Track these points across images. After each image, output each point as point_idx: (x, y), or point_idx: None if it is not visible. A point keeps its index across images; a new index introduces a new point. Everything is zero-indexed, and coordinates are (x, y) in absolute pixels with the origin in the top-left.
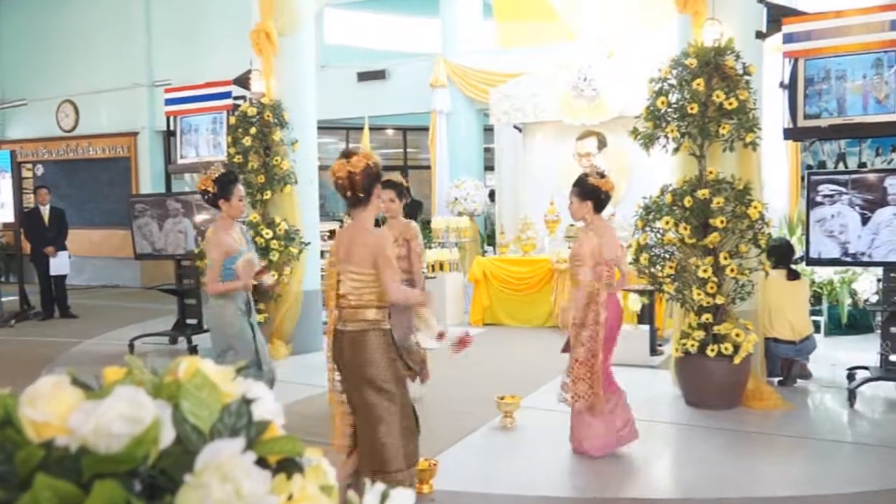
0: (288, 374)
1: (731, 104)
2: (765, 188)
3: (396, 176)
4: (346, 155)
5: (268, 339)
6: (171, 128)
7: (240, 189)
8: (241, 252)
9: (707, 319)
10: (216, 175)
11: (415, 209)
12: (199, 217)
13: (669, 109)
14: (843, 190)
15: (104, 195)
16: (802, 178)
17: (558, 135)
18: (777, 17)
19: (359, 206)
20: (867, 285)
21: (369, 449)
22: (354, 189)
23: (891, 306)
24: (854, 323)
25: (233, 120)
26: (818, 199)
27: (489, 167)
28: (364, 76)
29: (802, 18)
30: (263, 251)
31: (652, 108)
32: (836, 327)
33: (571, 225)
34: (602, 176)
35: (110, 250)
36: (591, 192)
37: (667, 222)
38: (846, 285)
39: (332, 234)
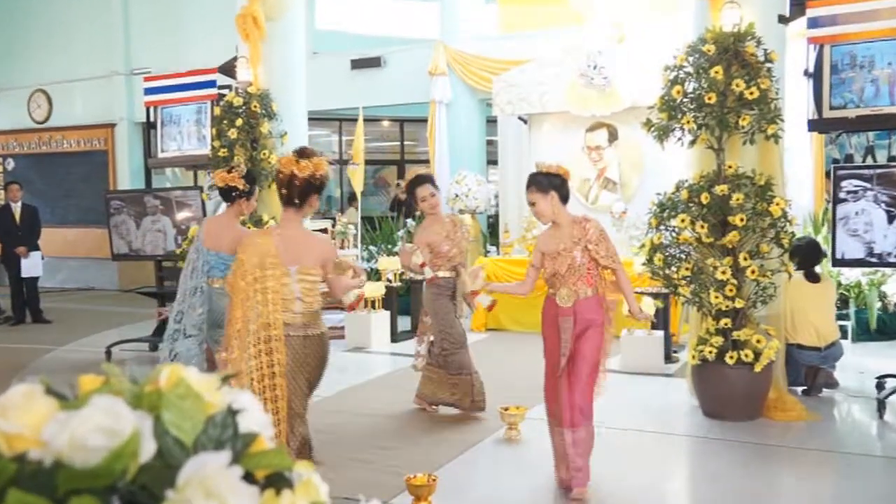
0: None
1: (751, 94)
2: (788, 184)
3: (423, 170)
4: (300, 154)
5: None
6: (151, 119)
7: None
8: None
9: (726, 324)
10: (244, 172)
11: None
12: (180, 215)
13: (685, 99)
14: (868, 186)
15: (79, 191)
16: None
17: (566, 126)
18: (801, 0)
19: (292, 207)
20: None
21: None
22: (290, 193)
23: None
24: (883, 328)
25: (217, 111)
26: (841, 195)
27: (492, 161)
28: (358, 64)
29: (828, 1)
30: None
31: (667, 98)
32: (865, 333)
33: None
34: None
35: (86, 250)
36: (550, 182)
37: (682, 220)
38: (875, 287)
39: (323, 232)
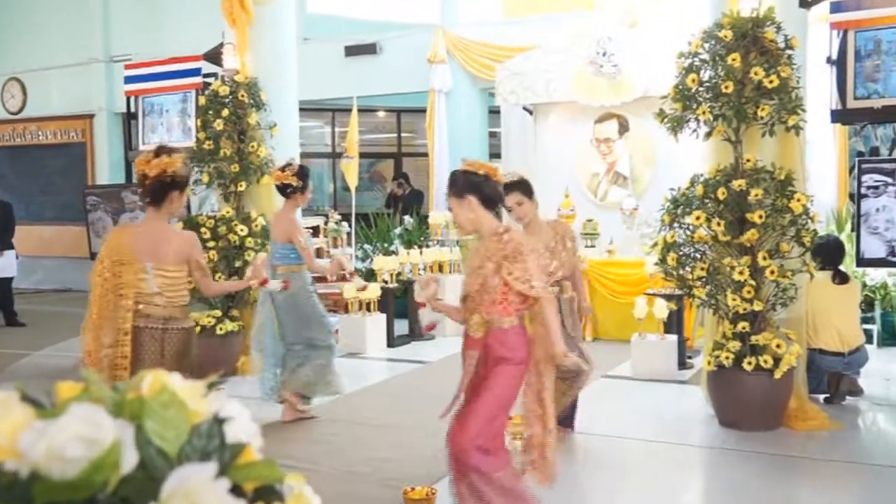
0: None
1: (771, 82)
2: (809, 178)
3: (519, 175)
4: (158, 152)
5: (242, 351)
6: (132, 109)
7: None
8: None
9: (743, 328)
10: (297, 169)
11: (414, 202)
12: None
13: (701, 88)
14: (889, 181)
15: (56, 186)
16: (852, 168)
17: (573, 117)
18: None
19: (152, 205)
20: None
21: None
22: (143, 189)
23: None
24: None
25: (202, 100)
26: (863, 190)
27: (495, 154)
28: (352, 50)
29: None
30: (237, 250)
31: (681, 87)
32: (891, 337)
33: (589, 220)
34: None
35: (63, 249)
36: (468, 182)
37: (697, 217)
38: None
39: (315, 230)
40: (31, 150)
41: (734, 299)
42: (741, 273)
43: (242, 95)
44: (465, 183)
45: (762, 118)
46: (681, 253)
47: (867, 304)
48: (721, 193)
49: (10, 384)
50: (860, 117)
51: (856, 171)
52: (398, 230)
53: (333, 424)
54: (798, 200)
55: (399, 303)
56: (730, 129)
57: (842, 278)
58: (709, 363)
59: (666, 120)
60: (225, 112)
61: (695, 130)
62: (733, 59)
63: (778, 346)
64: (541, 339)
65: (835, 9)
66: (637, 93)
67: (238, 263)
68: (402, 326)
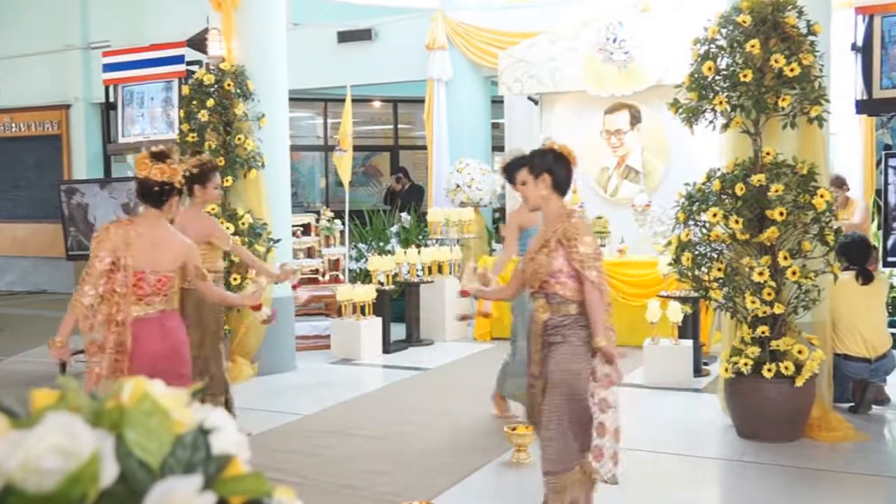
0: (254, 400)
1: (792, 70)
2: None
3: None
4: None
5: (228, 357)
6: (111, 99)
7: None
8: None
9: (763, 333)
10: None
11: (414, 197)
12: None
13: (718, 77)
14: None
15: (30, 181)
16: (878, 161)
17: (582, 108)
18: None
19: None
20: None
21: None
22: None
23: None
24: None
25: (186, 90)
26: (890, 185)
27: (498, 147)
28: (346, 36)
29: None
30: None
31: (696, 76)
32: None
33: (599, 217)
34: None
35: (37, 249)
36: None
37: (714, 215)
38: None
39: (305, 228)
40: (2, 143)
41: (753, 302)
42: (761, 274)
43: (228, 84)
44: (544, 162)
45: (783, 109)
46: (696, 252)
47: (894, 307)
48: (739, 189)
49: None
50: (887, 108)
51: (882, 164)
52: (395, 228)
53: (325, 435)
54: (821, 196)
55: (395, 306)
56: (748, 120)
57: (867, 278)
58: (726, 370)
59: (680, 110)
60: (210, 102)
61: (711, 122)
62: (752, 46)
63: (800, 351)
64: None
65: None
66: (650, 81)
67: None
68: (398, 331)
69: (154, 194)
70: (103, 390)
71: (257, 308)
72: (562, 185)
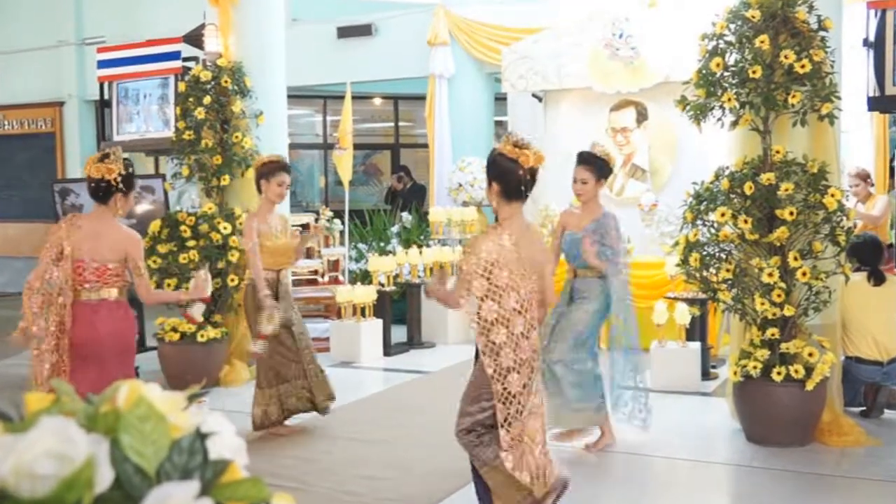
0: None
1: (802, 67)
2: (845, 171)
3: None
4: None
5: (225, 360)
6: (106, 96)
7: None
8: None
9: (773, 335)
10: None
11: (416, 197)
12: (139, 208)
13: (726, 73)
14: None
15: (22, 180)
16: (891, 159)
17: (587, 105)
18: None
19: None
20: None
21: None
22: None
23: None
24: None
25: (182, 87)
26: None
27: None
28: (345, 32)
29: None
30: (220, 249)
31: (704, 72)
32: None
33: None
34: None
35: (31, 249)
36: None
37: (722, 214)
38: None
39: (304, 227)
40: None
41: (763, 303)
42: (770, 275)
43: (226, 81)
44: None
45: (793, 106)
46: (704, 253)
47: None
48: (748, 188)
49: None
50: None
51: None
52: (396, 228)
53: (325, 440)
54: (832, 196)
55: (396, 308)
56: (758, 117)
57: (879, 279)
58: (735, 373)
59: (688, 108)
60: (206, 99)
61: (719, 119)
62: (762, 42)
63: (810, 354)
64: None
65: None
66: (657, 78)
67: (221, 265)
68: (399, 333)
69: (95, 191)
70: (48, 375)
71: (206, 301)
72: (512, 192)
